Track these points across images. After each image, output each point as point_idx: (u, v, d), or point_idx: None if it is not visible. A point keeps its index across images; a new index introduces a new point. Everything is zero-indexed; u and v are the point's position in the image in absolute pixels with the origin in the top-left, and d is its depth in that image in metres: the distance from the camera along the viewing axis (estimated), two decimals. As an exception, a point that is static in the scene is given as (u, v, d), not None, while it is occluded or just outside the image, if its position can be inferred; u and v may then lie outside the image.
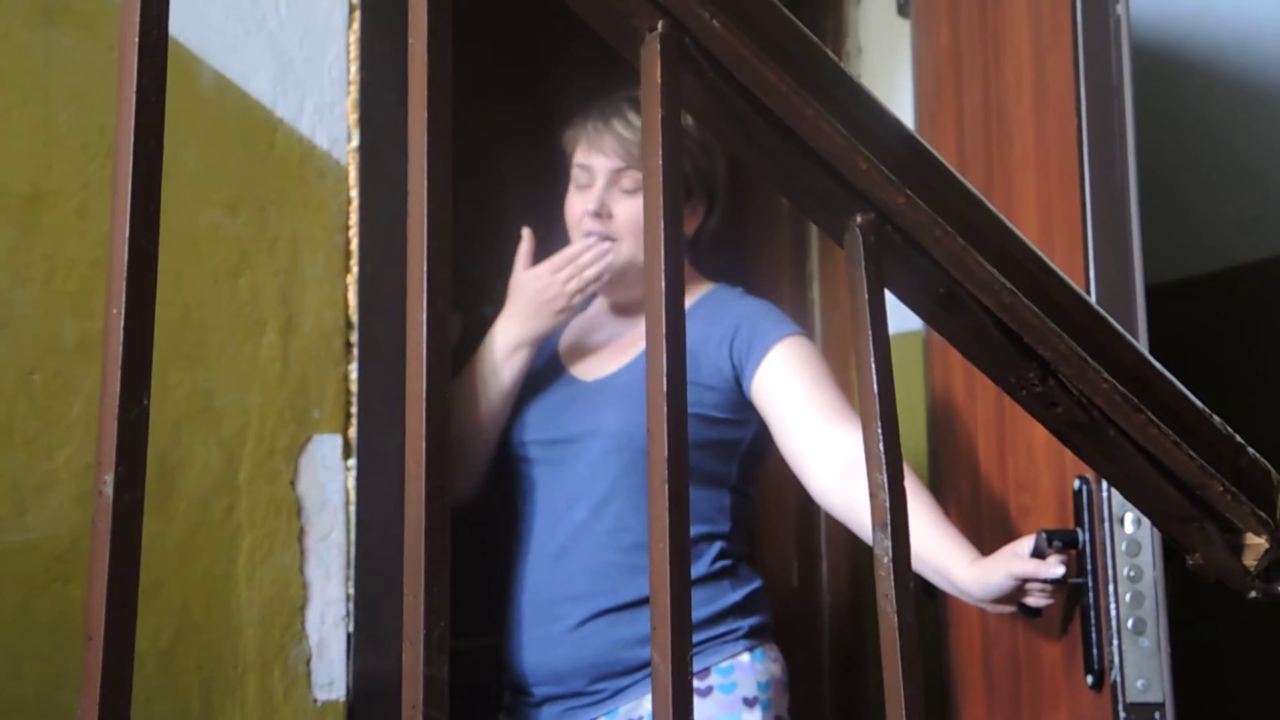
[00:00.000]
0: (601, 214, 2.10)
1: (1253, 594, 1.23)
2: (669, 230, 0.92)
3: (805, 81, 0.97)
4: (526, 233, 2.16)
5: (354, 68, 2.00)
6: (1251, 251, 3.28)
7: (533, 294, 2.09)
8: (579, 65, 2.93)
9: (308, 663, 1.86)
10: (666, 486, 0.89)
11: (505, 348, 2.13)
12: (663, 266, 0.91)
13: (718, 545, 2.06)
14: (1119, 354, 1.09)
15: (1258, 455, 1.19)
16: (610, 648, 2.01)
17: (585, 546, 2.05)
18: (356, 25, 2.01)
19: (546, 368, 2.22)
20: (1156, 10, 3.15)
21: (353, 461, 1.93)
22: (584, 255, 2.09)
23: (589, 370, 2.18)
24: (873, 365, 1.00)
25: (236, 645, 1.80)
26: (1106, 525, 1.83)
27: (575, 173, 2.16)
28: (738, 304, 2.15)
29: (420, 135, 0.85)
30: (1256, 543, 1.18)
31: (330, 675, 1.88)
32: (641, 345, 2.12)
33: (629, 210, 2.10)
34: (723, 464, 2.08)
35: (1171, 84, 3.25)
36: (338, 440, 1.93)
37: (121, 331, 0.74)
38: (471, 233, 2.18)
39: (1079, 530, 1.87)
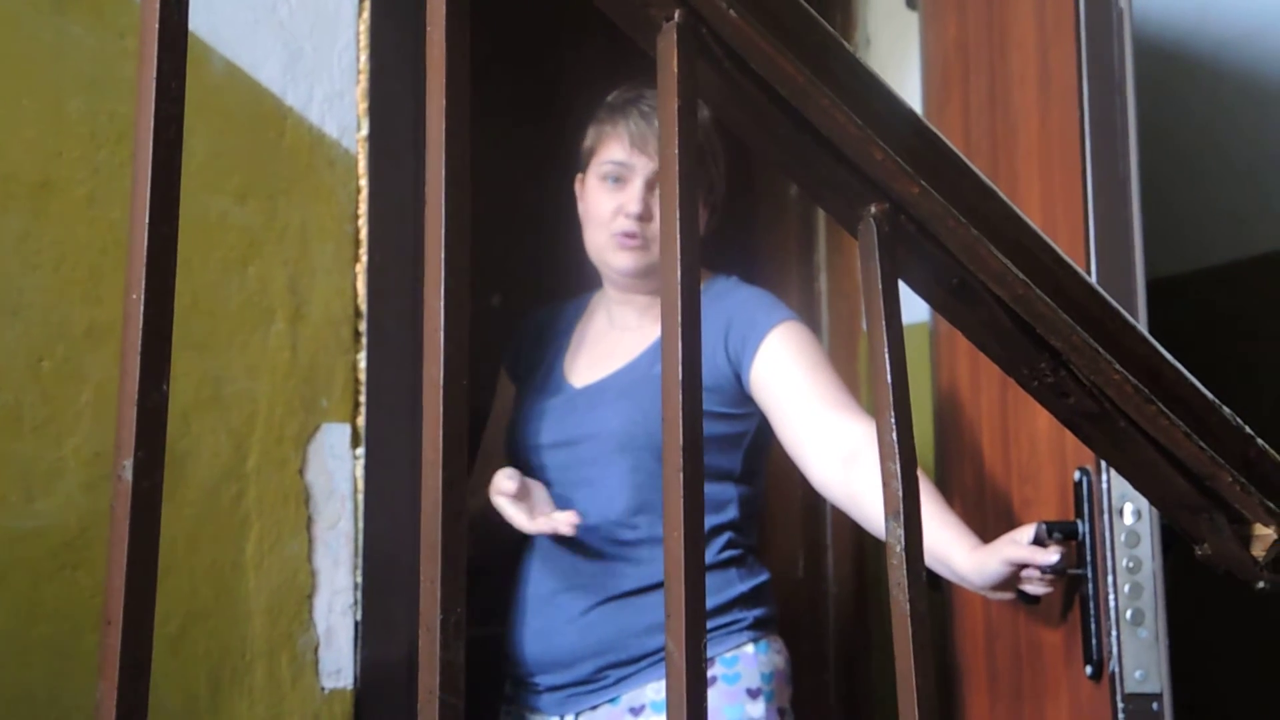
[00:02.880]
0: (643, 216, 2.09)
1: (1261, 584, 1.23)
2: (685, 219, 0.93)
3: (821, 71, 0.98)
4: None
5: (364, 57, 2.00)
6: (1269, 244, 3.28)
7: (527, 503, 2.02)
8: (588, 56, 2.94)
9: (315, 651, 1.86)
10: (681, 475, 0.89)
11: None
12: (679, 255, 0.92)
13: (725, 535, 2.06)
14: (1131, 345, 1.10)
15: (1267, 446, 1.19)
16: (615, 635, 2.01)
17: (589, 541, 2.05)
18: (366, 14, 2.01)
19: (549, 378, 2.22)
20: (1162, 6, 3.15)
21: (361, 450, 1.93)
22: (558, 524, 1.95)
23: (582, 377, 2.18)
24: (886, 355, 1.01)
25: (244, 633, 1.81)
26: (1106, 517, 1.84)
27: (607, 169, 2.12)
28: (729, 296, 2.14)
29: (438, 124, 0.85)
30: (1265, 533, 1.19)
31: (338, 664, 1.88)
32: (638, 351, 2.13)
33: None
34: (726, 458, 2.08)
35: (1178, 79, 3.24)
36: (346, 429, 1.93)
37: (141, 317, 0.75)
38: (479, 221, 2.18)
39: (1079, 521, 1.87)
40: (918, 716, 0.95)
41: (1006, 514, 2.17)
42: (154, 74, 0.76)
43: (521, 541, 2.15)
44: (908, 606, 0.97)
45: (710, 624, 1.97)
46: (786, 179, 3.06)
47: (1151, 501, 1.22)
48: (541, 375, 2.24)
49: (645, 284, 2.15)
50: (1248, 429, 1.18)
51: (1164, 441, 1.13)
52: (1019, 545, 1.80)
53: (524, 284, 2.94)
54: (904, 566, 0.97)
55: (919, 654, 0.96)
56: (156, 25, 0.77)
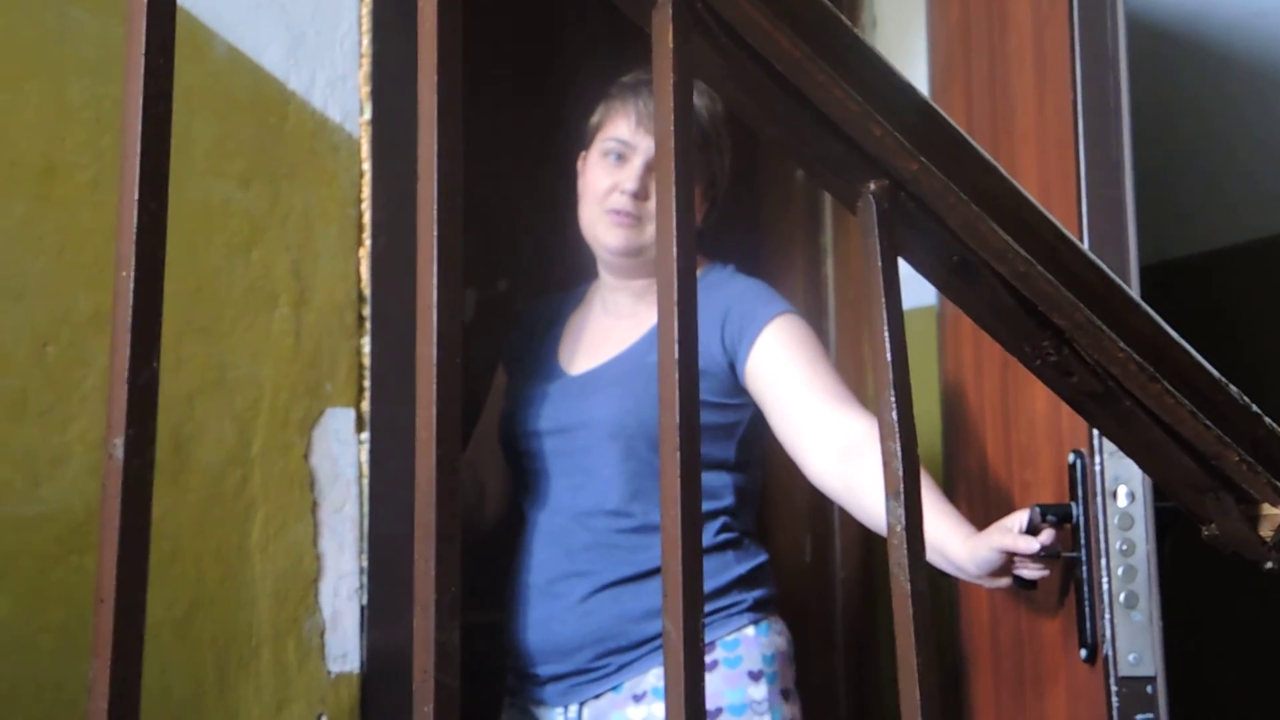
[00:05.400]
0: (639, 195, 2.09)
1: (1269, 565, 1.22)
2: (681, 199, 0.92)
3: (819, 47, 0.97)
4: None
5: (366, 40, 1.99)
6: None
7: None
8: (590, 35, 2.93)
9: (321, 635, 1.86)
10: (678, 455, 0.89)
11: None
12: (674, 234, 0.91)
13: (721, 520, 2.05)
14: (1135, 323, 1.09)
15: (1275, 425, 1.18)
16: (615, 621, 2.01)
17: (585, 529, 2.05)
18: (369, -2, 2.00)
19: (542, 363, 2.23)
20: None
21: (366, 435, 1.93)
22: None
23: (578, 365, 2.19)
24: (885, 333, 1.00)
25: (251, 617, 1.81)
26: (1099, 499, 1.83)
27: (610, 145, 2.13)
28: (727, 286, 2.13)
29: (431, 101, 0.84)
30: (1273, 513, 1.18)
31: (344, 647, 1.88)
32: (632, 339, 2.13)
33: None
34: (720, 447, 2.08)
35: (1183, 63, 3.22)
36: (351, 413, 1.93)
37: (131, 294, 0.74)
38: (486, 206, 2.18)
39: (1073, 504, 1.86)
40: (918, 696, 0.94)
41: (1007, 497, 2.16)
42: (142, 50, 0.76)
43: (517, 529, 2.16)
44: (908, 586, 0.96)
45: (709, 607, 1.97)
46: (792, 163, 3.05)
47: (1157, 481, 1.21)
48: (536, 363, 2.24)
49: (635, 266, 2.14)
50: (1255, 408, 1.17)
51: (1169, 420, 1.12)
52: (1005, 533, 1.79)
53: (531, 270, 2.94)
54: (904, 546, 0.97)
55: (919, 634, 0.95)
56: (144, 1, 0.76)
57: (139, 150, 0.75)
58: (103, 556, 0.74)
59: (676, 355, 0.90)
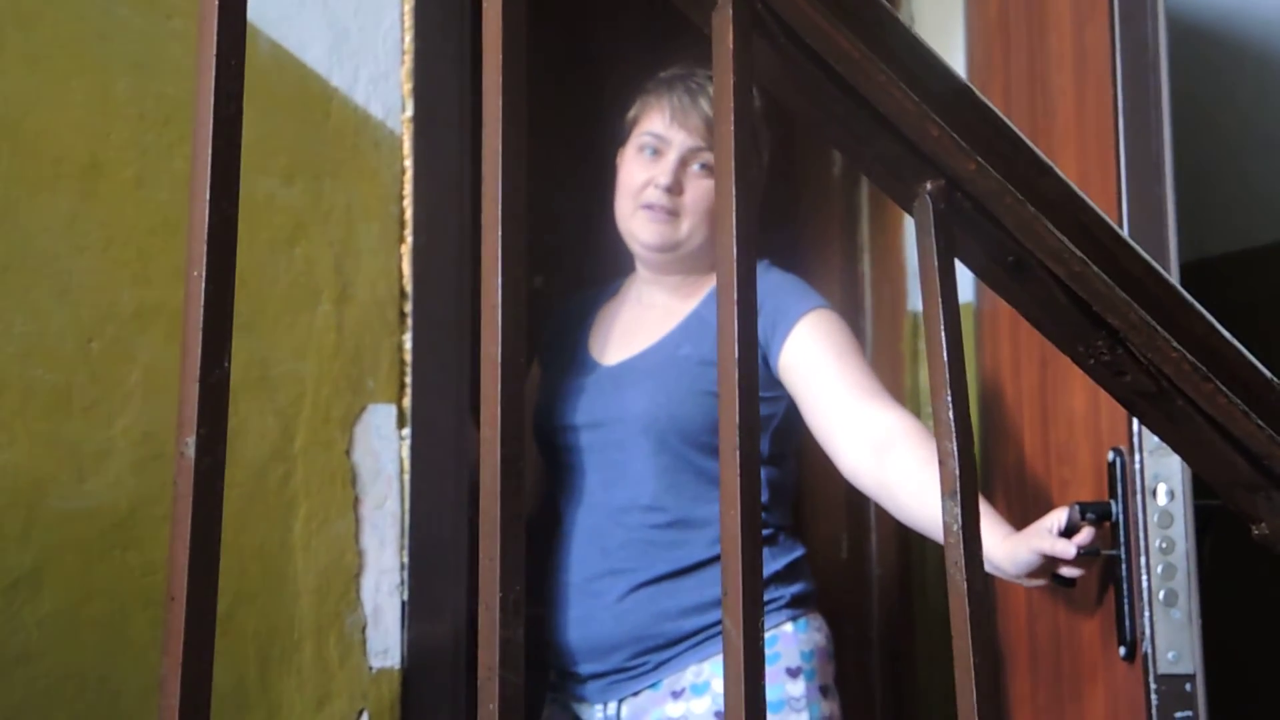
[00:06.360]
0: (673, 189, 2.10)
1: (1320, 565, 1.22)
2: (740, 200, 0.92)
3: (876, 47, 0.97)
4: None
5: (408, 37, 1.99)
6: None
7: None
8: (626, 28, 2.92)
9: (363, 630, 1.87)
10: (738, 453, 0.89)
11: None
12: (734, 234, 0.91)
13: None
14: (1189, 323, 1.09)
15: (1327, 426, 1.18)
16: (652, 620, 2.01)
17: (620, 525, 2.05)
18: (411, -6, 2.01)
19: (574, 355, 2.23)
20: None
21: (407, 431, 1.94)
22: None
23: (611, 355, 2.19)
24: (943, 333, 1.00)
25: (293, 612, 1.82)
26: (1139, 497, 1.83)
27: (644, 139, 2.13)
28: (761, 280, 2.11)
29: (495, 100, 0.85)
30: (1325, 514, 1.17)
31: (385, 643, 1.89)
32: (664, 330, 2.13)
33: (698, 191, 2.09)
34: None
35: (1223, 61, 3.21)
36: (392, 410, 1.93)
37: (203, 294, 0.75)
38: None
39: (1112, 502, 1.86)
40: (975, 695, 0.94)
41: (1045, 495, 2.16)
42: (214, 50, 0.76)
43: (554, 525, 2.16)
44: (965, 585, 0.96)
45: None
46: (829, 161, 3.04)
47: (1208, 480, 1.21)
48: (569, 355, 2.24)
49: (671, 262, 2.15)
50: (1307, 408, 1.17)
51: (1221, 420, 1.12)
52: (1044, 535, 1.79)
53: (568, 266, 2.94)
54: (961, 545, 0.97)
55: (976, 632, 0.95)
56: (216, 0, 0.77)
57: (210, 150, 0.75)
58: (174, 554, 0.75)
59: (736, 354, 0.90)
